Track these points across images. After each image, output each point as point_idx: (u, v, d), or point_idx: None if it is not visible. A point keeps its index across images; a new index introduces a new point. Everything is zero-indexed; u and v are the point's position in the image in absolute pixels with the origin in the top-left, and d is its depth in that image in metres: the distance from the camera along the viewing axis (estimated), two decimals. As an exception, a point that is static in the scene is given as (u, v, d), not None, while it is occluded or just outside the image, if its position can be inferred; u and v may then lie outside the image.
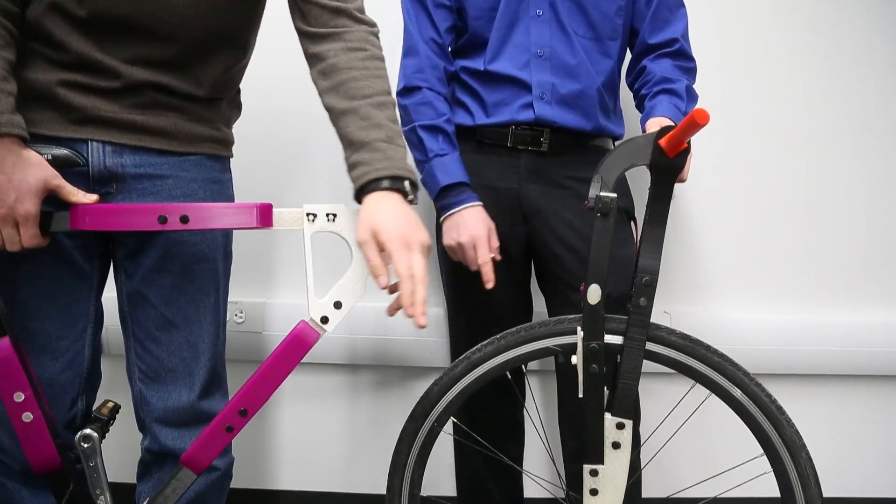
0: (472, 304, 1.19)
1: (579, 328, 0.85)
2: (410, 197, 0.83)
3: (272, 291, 1.50)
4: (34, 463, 0.82)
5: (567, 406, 1.19)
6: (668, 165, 0.82)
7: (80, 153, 0.82)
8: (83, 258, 0.89)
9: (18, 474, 0.91)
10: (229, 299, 1.02)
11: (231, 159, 1.02)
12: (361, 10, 0.91)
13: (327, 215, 0.84)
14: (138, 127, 0.86)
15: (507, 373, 0.93)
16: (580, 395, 0.85)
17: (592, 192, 0.82)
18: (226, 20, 0.89)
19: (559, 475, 1.19)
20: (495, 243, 1.08)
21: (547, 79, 1.11)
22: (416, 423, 0.93)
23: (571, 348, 0.88)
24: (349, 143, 0.85)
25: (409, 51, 1.14)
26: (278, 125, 1.45)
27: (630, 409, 0.85)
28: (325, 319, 0.85)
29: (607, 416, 0.85)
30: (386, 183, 0.81)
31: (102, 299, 0.96)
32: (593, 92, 1.12)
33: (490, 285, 1.03)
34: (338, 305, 0.84)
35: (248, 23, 0.94)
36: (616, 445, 0.85)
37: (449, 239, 1.09)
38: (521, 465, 1.30)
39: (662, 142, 0.81)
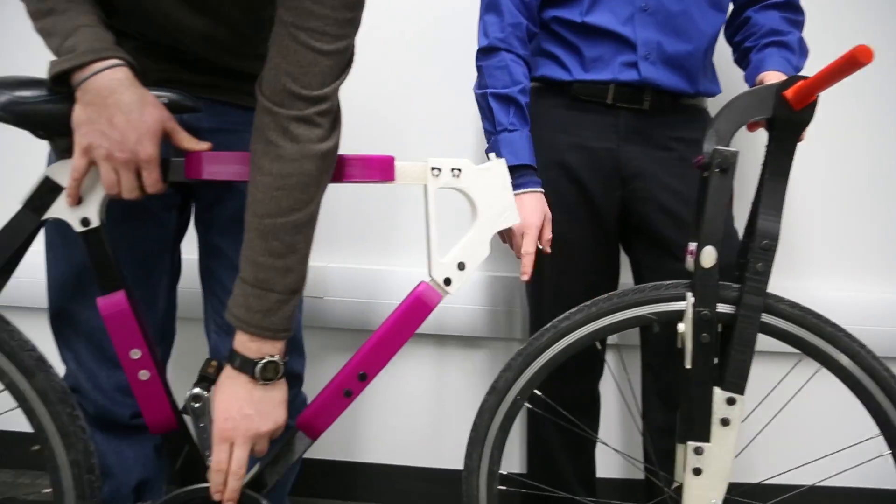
0: (555, 272, 1.12)
1: (689, 294, 0.79)
2: (262, 382, 0.74)
3: (332, 255, 1.44)
4: (151, 423, 0.79)
5: (656, 379, 1.13)
6: (793, 119, 0.76)
7: (195, 97, 0.77)
8: (160, 207, 0.85)
9: (93, 418, 0.88)
10: None
11: None
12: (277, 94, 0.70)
13: (452, 170, 0.80)
14: (216, 85, 0.85)
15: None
16: (688, 367, 0.79)
17: (708, 147, 0.77)
18: (245, 46, 0.83)
19: (647, 451, 1.13)
20: (547, 235, 1.02)
21: (653, 37, 1.02)
22: (498, 396, 0.87)
23: (670, 316, 0.82)
24: None
25: (490, 6, 1.06)
26: (386, 73, 1.40)
27: (742, 384, 0.79)
28: (447, 281, 0.81)
29: (716, 390, 0.79)
30: (237, 361, 0.73)
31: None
32: (700, 53, 1.04)
33: (525, 278, 0.98)
34: (461, 266, 0.81)
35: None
36: (725, 422, 0.79)
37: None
38: (595, 442, 1.25)
39: (789, 93, 0.75)
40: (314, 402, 0.82)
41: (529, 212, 1.00)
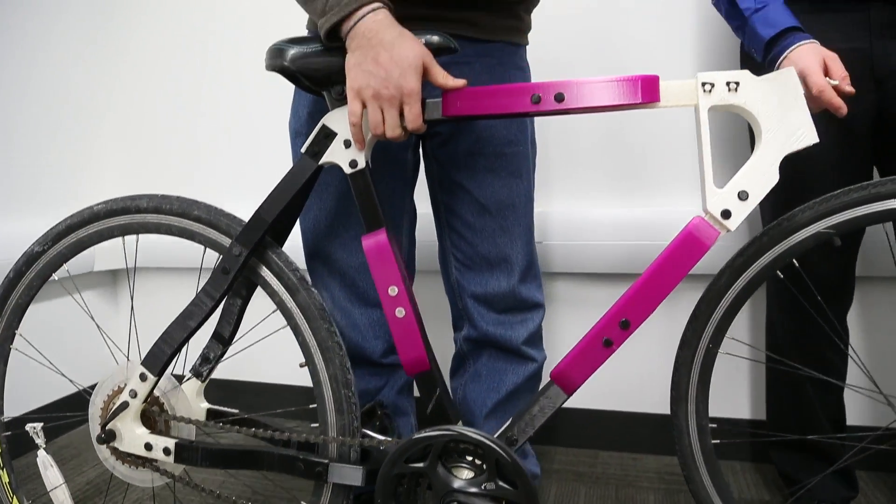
0: (794, 193, 0.99)
1: None
2: None
3: (550, 200, 1.48)
4: (406, 362, 0.80)
5: None
6: None
7: (451, 38, 0.79)
8: (399, 147, 0.91)
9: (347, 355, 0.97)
10: None
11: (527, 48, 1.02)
12: None
13: (728, 84, 0.71)
14: (444, 18, 0.89)
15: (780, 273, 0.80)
16: None
17: None
18: None
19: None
20: (840, 72, 0.87)
21: None
22: (690, 348, 0.86)
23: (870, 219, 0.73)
24: None
25: None
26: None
27: None
28: (726, 214, 0.72)
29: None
30: None
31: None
32: None
33: (842, 112, 0.86)
34: (743, 196, 0.72)
35: None
36: None
37: None
38: (844, 380, 1.13)
39: None
40: (571, 352, 0.77)
41: (803, 56, 0.88)
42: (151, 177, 1.86)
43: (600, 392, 1.49)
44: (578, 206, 1.48)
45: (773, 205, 1.11)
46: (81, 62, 1.81)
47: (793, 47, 0.91)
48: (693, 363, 0.85)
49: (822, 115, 0.96)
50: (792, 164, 0.89)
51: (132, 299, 1.05)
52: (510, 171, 0.95)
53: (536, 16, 1.03)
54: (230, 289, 0.85)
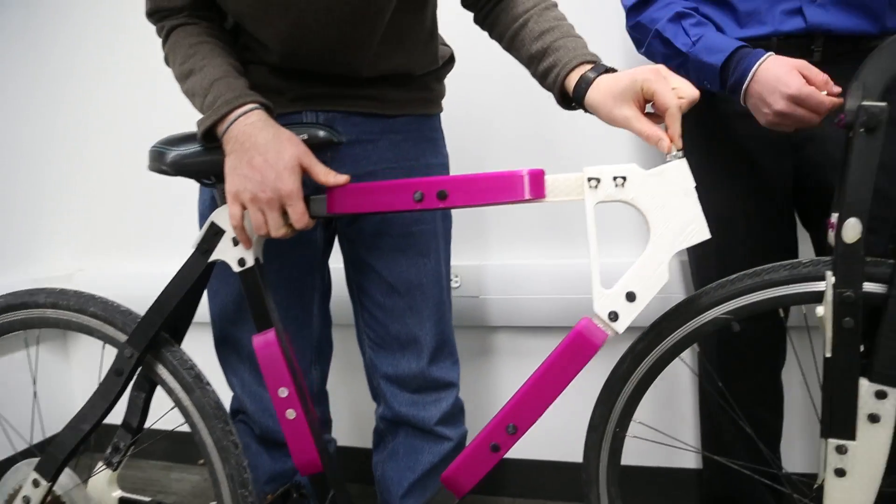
0: (719, 255, 0.99)
1: (829, 273, 0.68)
2: None
3: (487, 253, 1.45)
4: (298, 463, 0.78)
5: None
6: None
7: (337, 131, 0.78)
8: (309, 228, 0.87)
9: (259, 439, 0.95)
10: None
11: (442, 114, 0.99)
12: None
13: (615, 179, 0.68)
14: (347, 95, 0.86)
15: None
16: (828, 355, 0.68)
17: (852, 104, 0.65)
18: (405, 49, 0.85)
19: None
20: (818, 76, 0.82)
21: None
22: (597, 433, 0.83)
23: (807, 299, 0.71)
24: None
25: None
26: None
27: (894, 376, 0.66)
28: (613, 316, 0.69)
29: (863, 382, 0.67)
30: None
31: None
32: None
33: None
34: (631, 297, 0.68)
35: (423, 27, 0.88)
36: (874, 418, 0.66)
37: (768, 113, 0.85)
38: (779, 437, 1.11)
39: None
40: (460, 457, 0.75)
41: (774, 72, 0.83)
42: (107, 233, 1.83)
43: (546, 442, 1.46)
44: (515, 259, 1.45)
45: (704, 268, 1.09)
46: (33, 118, 1.80)
47: (755, 67, 0.85)
48: (601, 447, 0.83)
49: (742, 182, 0.95)
50: (720, 229, 0.85)
51: (35, 383, 1.02)
52: (418, 251, 0.92)
53: (453, 76, 1.01)
54: (124, 390, 0.83)
